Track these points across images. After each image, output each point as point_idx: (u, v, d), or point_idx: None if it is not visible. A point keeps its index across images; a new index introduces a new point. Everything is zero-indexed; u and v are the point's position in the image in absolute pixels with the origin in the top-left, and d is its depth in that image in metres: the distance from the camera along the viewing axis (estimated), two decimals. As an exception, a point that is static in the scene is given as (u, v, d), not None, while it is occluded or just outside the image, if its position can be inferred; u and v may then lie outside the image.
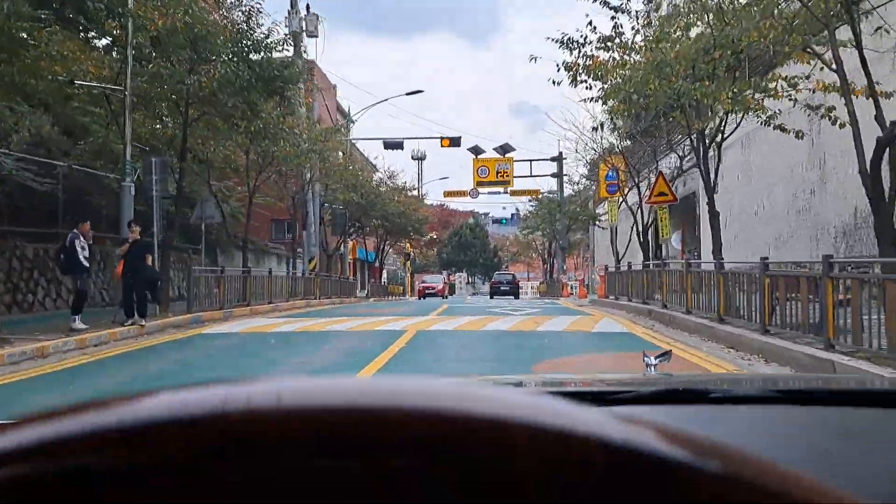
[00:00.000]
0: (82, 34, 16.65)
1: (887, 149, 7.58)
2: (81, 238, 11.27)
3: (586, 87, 13.16)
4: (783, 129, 11.61)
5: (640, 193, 20.34)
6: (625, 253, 23.36)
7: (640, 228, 20.93)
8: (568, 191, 42.34)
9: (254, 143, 16.27)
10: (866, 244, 12.71)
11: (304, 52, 24.67)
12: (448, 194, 42.33)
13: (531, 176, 38.04)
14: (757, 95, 10.88)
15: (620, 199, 23.78)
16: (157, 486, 0.33)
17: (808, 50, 9.96)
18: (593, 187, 46.94)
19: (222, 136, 16.42)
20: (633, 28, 13.43)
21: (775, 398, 1.25)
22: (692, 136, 12.33)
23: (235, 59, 14.63)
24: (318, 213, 27.55)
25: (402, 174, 53.14)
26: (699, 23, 12.23)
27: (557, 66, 12.66)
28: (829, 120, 9.83)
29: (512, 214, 70.52)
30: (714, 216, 12.30)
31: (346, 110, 37.15)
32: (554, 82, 13.00)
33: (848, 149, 9.37)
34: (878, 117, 7.63)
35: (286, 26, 22.38)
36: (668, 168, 22.76)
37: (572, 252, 53.37)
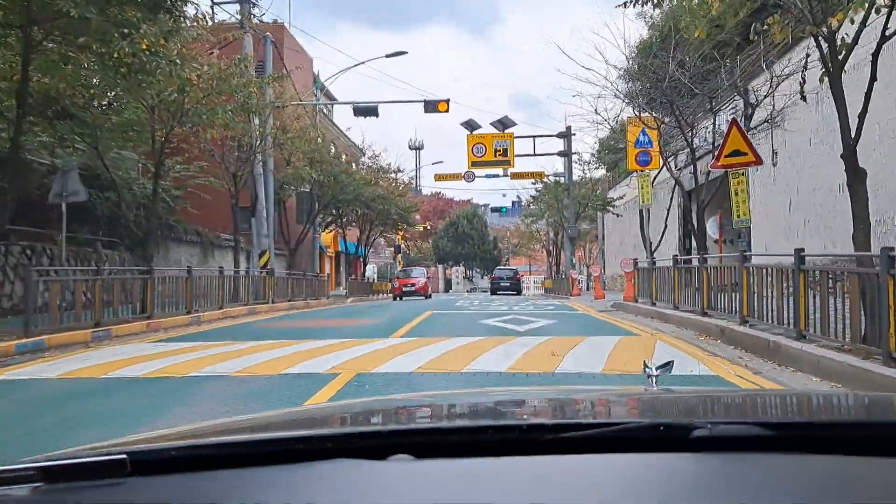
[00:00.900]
0: None
1: None
2: None
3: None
4: None
5: (693, 160, 14.72)
6: (659, 243, 18.01)
7: (681, 210, 15.60)
8: (577, 173, 37.05)
9: (122, 79, 10.93)
10: None
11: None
12: (439, 178, 36.49)
13: (534, 155, 32.63)
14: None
15: (655, 172, 18.18)
16: None
17: None
18: (603, 170, 41.68)
19: (85, 71, 11.12)
20: None
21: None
22: (818, 39, 7.18)
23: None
24: (272, 194, 22.19)
25: (384, 153, 47.67)
26: None
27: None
28: None
29: (513, 202, 65.20)
30: (858, 176, 7.07)
31: (316, 74, 31.70)
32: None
33: None
34: None
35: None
36: (701, 139, 17.44)
37: (579, 243, 48.21)
